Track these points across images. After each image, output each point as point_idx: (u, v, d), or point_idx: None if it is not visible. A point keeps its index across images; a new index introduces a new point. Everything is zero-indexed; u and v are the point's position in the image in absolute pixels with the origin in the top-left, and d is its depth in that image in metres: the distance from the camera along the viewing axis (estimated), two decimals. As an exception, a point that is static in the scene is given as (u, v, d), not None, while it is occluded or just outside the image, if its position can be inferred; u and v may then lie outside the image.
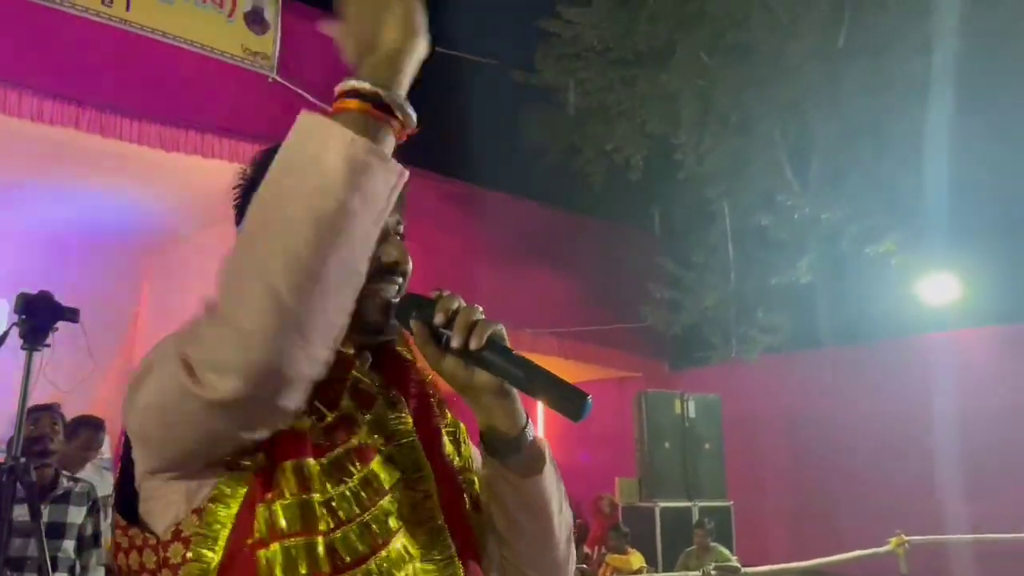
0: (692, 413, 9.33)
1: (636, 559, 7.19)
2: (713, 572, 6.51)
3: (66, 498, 3.24)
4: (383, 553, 0.90)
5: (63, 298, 2.98)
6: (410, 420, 1.01)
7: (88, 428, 3.95)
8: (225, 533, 0.85)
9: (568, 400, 0.92)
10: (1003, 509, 8.33)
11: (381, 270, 0.98)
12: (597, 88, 13.33)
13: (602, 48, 13.03)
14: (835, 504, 10.00)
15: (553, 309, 11.77)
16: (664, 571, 7.69)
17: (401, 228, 1.02)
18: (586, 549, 9.31)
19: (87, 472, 3.87)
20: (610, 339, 12.31)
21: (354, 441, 0.93)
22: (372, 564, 0.88)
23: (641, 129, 13.06)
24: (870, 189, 10.73)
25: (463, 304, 0.95)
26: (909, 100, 10.03)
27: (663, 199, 14.30)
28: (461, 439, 1.12)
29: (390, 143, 0.79)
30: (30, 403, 2.92)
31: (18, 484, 2.78)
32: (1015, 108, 10.00)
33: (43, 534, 2.90)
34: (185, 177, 9.02)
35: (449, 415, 1.11)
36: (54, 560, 3.05)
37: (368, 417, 0.97)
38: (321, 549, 0.85)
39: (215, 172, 8.73)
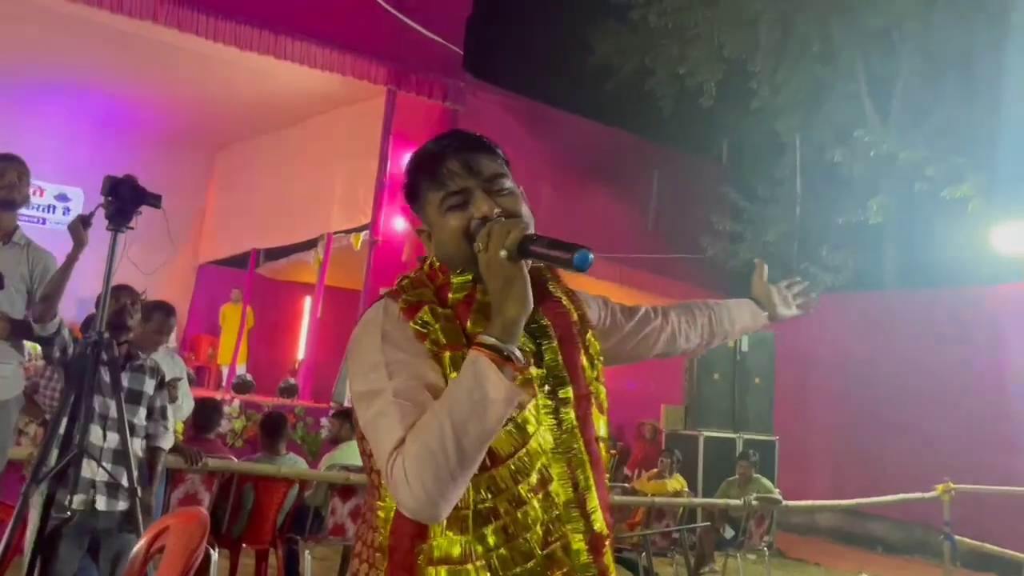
0: (745, 347, 9.30)
1: (676, 483, 7.29)
2: (755, 501, 6.58)
3: (141, 369, 3.48)
4: (523, 451, 1.19)
5: (140, 189, 3.08)
6: (556, 344, 1.30)
7: (161, 312, 4.09)
8: None
9: (567, 252, 1.20)
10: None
11: (479, 222, 1.24)
12: (674, 7, 12.84)
13: (682, -35, 12.54)
14: (879, 448, 9.92)
15: (612, 234, 11.63)
16: (703, 497, 7.80)
17: (497, 184, 1.27)
18: (626, 471, 9.46)
19: (159, 355, 4.06)
20: (668, 268, 12.17)
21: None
22: (515, 461, 1.19)
23: (717, 53, 12.60)
24: (953, 129, 10.25)
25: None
26: (1001, 33, 9.46)
27: (733, 129, 13.87)
28: (594, 354, 1.37)
29: (510, 375, 1.14)
30: (113, 283, 3.06)
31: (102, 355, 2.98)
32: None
33: (123, 400, 3.16)
34: (256, 78, 9.07)
35: (591, 336, 1.38)
36: (131, 425, 3.28)
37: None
38: None
39: (283, 74, 8.76)
